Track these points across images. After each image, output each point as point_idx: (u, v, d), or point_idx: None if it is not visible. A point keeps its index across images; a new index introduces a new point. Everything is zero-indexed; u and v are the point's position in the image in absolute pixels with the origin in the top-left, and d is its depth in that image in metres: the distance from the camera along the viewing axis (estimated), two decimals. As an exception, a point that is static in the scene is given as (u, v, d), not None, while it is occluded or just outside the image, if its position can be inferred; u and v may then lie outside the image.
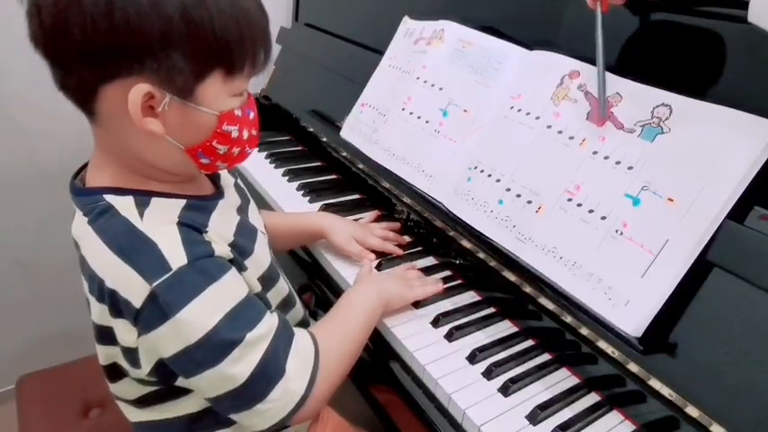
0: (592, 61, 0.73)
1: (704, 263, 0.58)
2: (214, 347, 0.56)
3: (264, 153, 1.27)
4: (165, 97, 0.52)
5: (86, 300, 0.61)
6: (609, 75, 0.70)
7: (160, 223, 0.57)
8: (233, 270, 0.60)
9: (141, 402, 0.66)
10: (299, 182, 1.15)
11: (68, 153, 1.28)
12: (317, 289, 0.97)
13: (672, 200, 0.61)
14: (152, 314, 0.54)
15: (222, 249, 0.60)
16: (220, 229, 0.62)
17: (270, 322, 0.61)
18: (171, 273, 0.54)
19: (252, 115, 0.61)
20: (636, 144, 0.66)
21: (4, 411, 1.13)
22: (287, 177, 1.17)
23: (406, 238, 0.98)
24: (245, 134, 0.60)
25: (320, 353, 0.64)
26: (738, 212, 0.58)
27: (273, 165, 1.23)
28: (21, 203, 1.32)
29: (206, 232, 0.59)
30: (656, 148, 0.64)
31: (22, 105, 1.19)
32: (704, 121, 0.61)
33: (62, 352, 1.15)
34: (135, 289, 0.54)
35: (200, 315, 0.55)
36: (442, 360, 0.72)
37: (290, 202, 1.08)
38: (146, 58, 0.50)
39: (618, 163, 0.67)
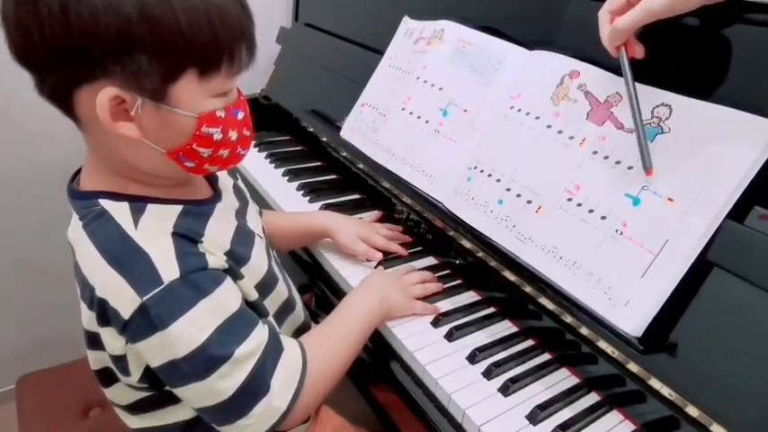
0: (592, 61, 0.73)
1: (704, 263, 0.58)
2: (202, 362, 0.56)
3: (264, 153, 1.27)
4: (136, 100, 0.51)
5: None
6: (609, 75, 0.70)
7: (154, 233, 0.56)
8: (226, 281, 0.59)
9: (135, 409, 0.66)
10: (299, 182, 1.15)
11: (68, 153, 1.28)
12: (317, 289, 0.97)
13: (672, 200, 0.61)
14: (140, 326, 0.54)
15: (216, 260, 0.59)
16: (217, 237, 0.61)
17: (260, 336, 0.60)
18: (163, 286, 0.53)
19: (240, 116, 0.58)
20: (636, 144, 0.65)
21: (4, 411, 1.13)
22: (287, 177, 1.17)
23: (407, 238, 0.98)
24: (233, 135, 0.58)
25: (308, 366, 0.64)
26: (738, 212, 0.58)
27: (273, 165, 1.23)
28: (21, 204, 1.32)
29: (201, 242, 0.59)
30: (655, 148, 0.64)
31: (21, 106, 1.19)
32: (704, 121, 0.61)
33: (62, 352, 1.15)
34: (124, 300, 0.53)
35: (189, 330, 0.55)
36: (442, 360, 0.72)
37: (290, 202, 1.08)
38: (107, 62, 0.48)
39: (618, 163, 0.67)
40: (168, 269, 0.54)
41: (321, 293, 0.96)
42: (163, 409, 0.65)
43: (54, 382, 0.99)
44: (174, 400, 0.63)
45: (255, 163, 1.23)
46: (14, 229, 1.33)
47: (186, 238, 0.58)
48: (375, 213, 1.05)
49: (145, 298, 0.53)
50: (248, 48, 0.55)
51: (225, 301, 0.58)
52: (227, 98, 0.57)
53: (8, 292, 1.38)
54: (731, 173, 0.58)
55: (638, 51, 0.65)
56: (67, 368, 1.02)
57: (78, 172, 0.63)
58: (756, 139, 0.57)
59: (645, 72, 0.67)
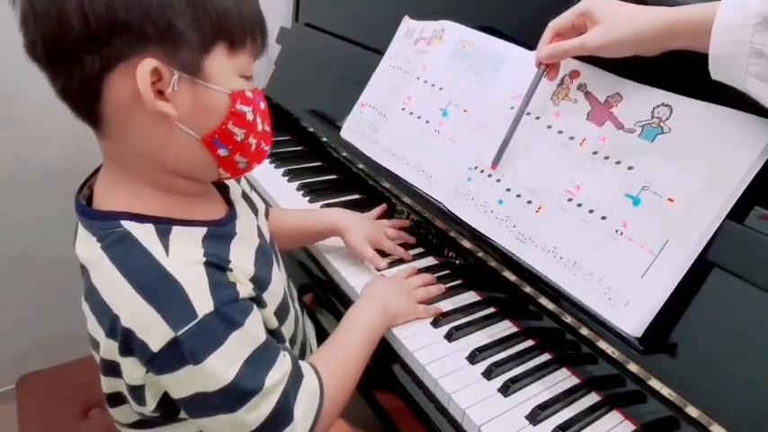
0: (592, 61, 0.73)
1: (704, 263, 0.58)
2: (233, 396, 0.55)
3: (264, 153, 1.27)
4: (173, 75, 0.50)
5: (89, 336, 0.58)
6: (609, 75, 0.71)
7: (187, 263, 0.54)
8: (254, 311, 0.59)
9: (137, 426, 0.65)
10: (299, 182, 1.15)
11: (69, 150, 1.28)
12: (319, 291, 0.97)
13: (672, 200, 0.61)
14: (170, 359, 0.52)
15: (245, 290, 0.58)
16: (241, 263, 0.60)
17: (284, 365, 0.60)
18: (197, 321, 0.52)
19: (263, 105, 0.59)
20: (636, 144, 0.66)
21: (4, 411, 1.13)
22: (287, 177, 1.17)
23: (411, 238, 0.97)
24: (260, 124, 0.58)
25: (324, 392, 0.64)
26: (738, 212, 0.58)
27: (273, 165, 1.23)
28: (21, 203, 1.32)
29: (230, 270, 0.57)
30: (656, 148, 0.64)
31: (23, 102, 1.19)
32: (704, 121, 0.61)
33: (62, 352, 1.15)
34: (154, 332, 0.51)
35: (221, 364, 0.54)
36: (442, 360, 0.72)
37: (290, 202, 1.08)
38: (147, 26, 0.48)
39: (618, 163, 0.67)
40: (202, 302, 0.53)
41: (323, 296, 0.95)
42: (165, 427, 0.64)
43: (54, 382, 0.99)
44: (178, 419, 0.62)
45: (255, 163, 1.23)
46: (14, 229, 1.33)
47: (217, 267, 0.56)
48: (381, 207, 1.03)
49: (179, 333, 0.51)
50: (261, 30, 0.57)
51: (254, 332, 0.58)
52: (250, 84, 0.57)
53: (8, 291, 1.38)
54: (731, 173, 0.58)
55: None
56: (67, 368, 1.02)
57: (84, 185, 0.61)
58: (756, 139, 0.57)
59: (645, 72, 0.67)
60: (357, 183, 1.11)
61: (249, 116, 0.56)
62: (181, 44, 0.50)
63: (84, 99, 0.52)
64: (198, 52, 0.51)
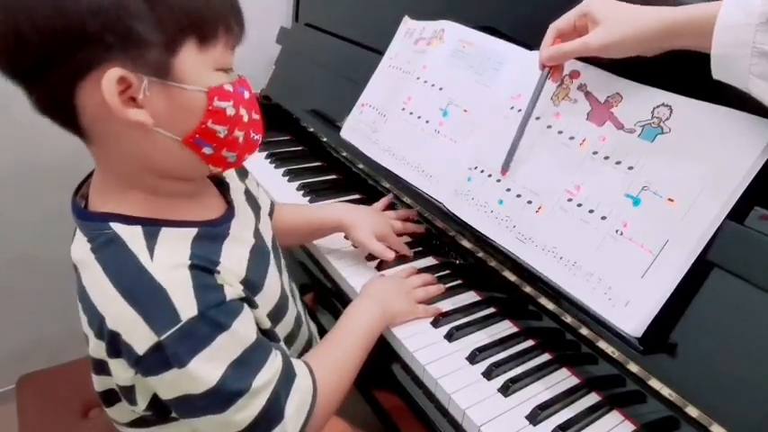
0: (592, 61, 0.73)
1: (704, 263, 0.58)
2: (219, 397, 0.55)
3: (264, 153, 1.27)
4: (141, 81, 0.48)
5: (84, 333, 0.58)
6: (609, 75, 0.71)
7: (171, 266, 0.53)
8: (244, 312, 0.58)
9: (134, 424, 0.65)
10: (299, 182, 1.15)
11: (69, 152, 1.28)
12: (320, 293, 0.97)
13: (672, 200, 0.61)
14: (155, 362, 0.52)
15: (234, 291, 0.57)
16: (232, 264, 0.59)
17: (275, 365, 0.59)
18: (180, 325, 0.51)
19: (247, 95, 0.57)
20: (636, 144, 0.66)
21: (4, 411, 1.13)
22: (287, 177, 1.17)
23: (407, 237, 0.98)
24: (245, 115, 0.56)
25: (318, 391, 0.63)
26: (738, 212, 0.58)
27: (273, 165, 1.23)
28: (21, 203, 1.32)
29: (218, 272, 0.56)
30: (656, 148, 0.64)
31: (22, 104, 1.19)
32: (704, 122, 0.61)
33: (62, 352, 1.15)
34: (139, 336, 0.51)
35: (206, 367, 0.53)
36: (442, 360, 0.72)
37: (290, 203, 1.08)
38: (105, 35, 0.46)
39: (618, 163, 0.67)
40: (186, 306, 0.52)
41: (323, 296, 0.95)
42: (162, 426, 0.64)
43: (54, 382, 0.98)
44: (174, 418, 0.62)
45: (255, 163, 1.23)
46: (14, 229, 1.33)
47: (203, 269, 0.55)
48: (387, 197, 1.02)
49: (162, 337, 0.51)
50: (238, 20, 0.54)
51: (243, 333, 0.57)
52: (230, 76, 0.55)
53: (8, 291, 1.38)
54: (731, 173, 0.58)
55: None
56: (67, 368, 1.02)
57: (80, 186, 0.61)
58: (756, 139, 0.57)
59: (645, 72, 0.67)
60: (357, 183, 1.11)
61: (230, 111, 0.54)
62: (145, 47, 0.48)
63: (60, 112, 0.51)
64: (165, 53, 0.49)
